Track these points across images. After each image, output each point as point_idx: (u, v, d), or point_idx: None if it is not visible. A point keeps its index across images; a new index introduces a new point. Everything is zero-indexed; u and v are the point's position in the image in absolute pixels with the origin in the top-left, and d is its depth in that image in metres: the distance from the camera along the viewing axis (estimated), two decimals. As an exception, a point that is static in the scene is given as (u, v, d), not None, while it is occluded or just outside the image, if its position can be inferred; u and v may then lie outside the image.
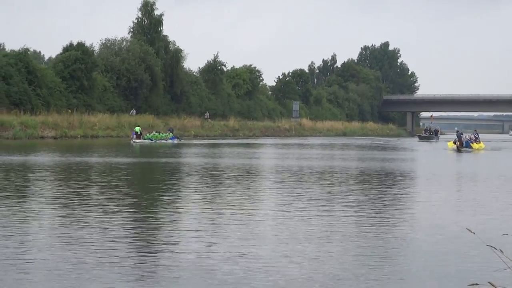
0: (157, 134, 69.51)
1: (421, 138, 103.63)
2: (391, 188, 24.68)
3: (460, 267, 11.20)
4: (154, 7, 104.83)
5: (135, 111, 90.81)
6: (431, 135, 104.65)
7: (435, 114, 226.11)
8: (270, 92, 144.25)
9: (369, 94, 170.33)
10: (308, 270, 10.81)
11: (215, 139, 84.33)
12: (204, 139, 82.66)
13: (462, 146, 61.59)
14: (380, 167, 36.20)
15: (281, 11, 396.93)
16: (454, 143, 63.41)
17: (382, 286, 10.01)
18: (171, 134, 70.51)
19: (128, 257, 11.53)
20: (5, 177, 24.73)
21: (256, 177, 28.46)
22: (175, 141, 67.84)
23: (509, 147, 78.26)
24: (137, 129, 68.55)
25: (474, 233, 7.60)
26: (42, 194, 20.25)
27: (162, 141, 67.04)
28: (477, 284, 6.59)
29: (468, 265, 11.35)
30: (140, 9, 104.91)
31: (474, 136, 67.24)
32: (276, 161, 41.62)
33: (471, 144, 63.45)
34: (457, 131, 71.79)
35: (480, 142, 65.93)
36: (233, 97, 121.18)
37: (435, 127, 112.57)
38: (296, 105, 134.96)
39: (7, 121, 65.76)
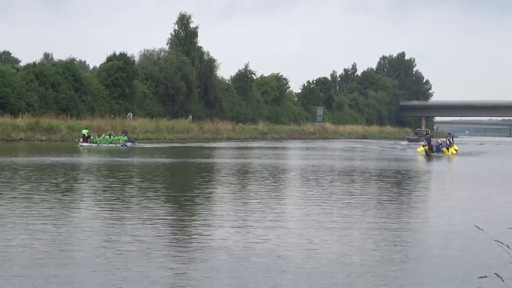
0: (107, 137, 58.74)
1: (410, 140, 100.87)
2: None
3: (471, 262, 11.04)
4: (190, 20, 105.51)
5: (131, 114, 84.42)
6: (420, 137, 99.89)
7: (447, 118, 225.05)
8: (296, 98, 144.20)
9: (387, 100, 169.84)
10: (333, 264, 10.71)
11: (245, 141, 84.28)
12: (235, 141, 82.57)
13: (432, 150, 54.89)
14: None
15: (306, 27, 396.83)
16: (423, 146, 57.05)
17: (395, 278, 9.90)
18: (125, 137, 60.30)
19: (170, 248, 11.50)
20: (47, 175, 24.91)
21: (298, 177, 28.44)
22: (129, 144, 58.25)
23: (495, 151, 71.55)
24: (85, 131, 58.47)
25: (482, 229, 7.47)
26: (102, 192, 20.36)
27: (113, 145, 57.28)
28: (486, 276, 6.52)
29: (479, 259, 11.18)
30: (177, 22, 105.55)
31: (449, 140, 60.23)
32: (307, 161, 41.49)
33: (442, 149, 56.46)
34: (427, 134, 66.88)
35: (452, 146, 58.63)
36: (262, 103, 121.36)
37: (425, 130, 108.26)
38: (320, 110, 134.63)
39: (56, 125, 67.01)
